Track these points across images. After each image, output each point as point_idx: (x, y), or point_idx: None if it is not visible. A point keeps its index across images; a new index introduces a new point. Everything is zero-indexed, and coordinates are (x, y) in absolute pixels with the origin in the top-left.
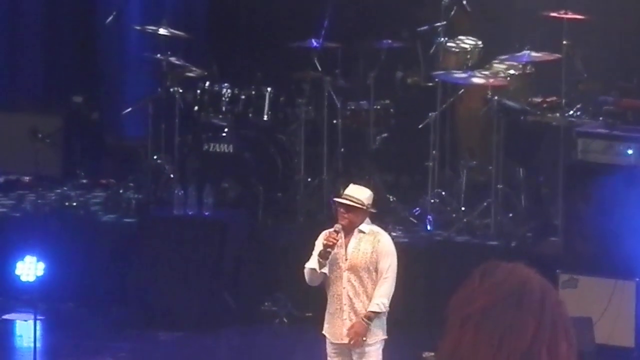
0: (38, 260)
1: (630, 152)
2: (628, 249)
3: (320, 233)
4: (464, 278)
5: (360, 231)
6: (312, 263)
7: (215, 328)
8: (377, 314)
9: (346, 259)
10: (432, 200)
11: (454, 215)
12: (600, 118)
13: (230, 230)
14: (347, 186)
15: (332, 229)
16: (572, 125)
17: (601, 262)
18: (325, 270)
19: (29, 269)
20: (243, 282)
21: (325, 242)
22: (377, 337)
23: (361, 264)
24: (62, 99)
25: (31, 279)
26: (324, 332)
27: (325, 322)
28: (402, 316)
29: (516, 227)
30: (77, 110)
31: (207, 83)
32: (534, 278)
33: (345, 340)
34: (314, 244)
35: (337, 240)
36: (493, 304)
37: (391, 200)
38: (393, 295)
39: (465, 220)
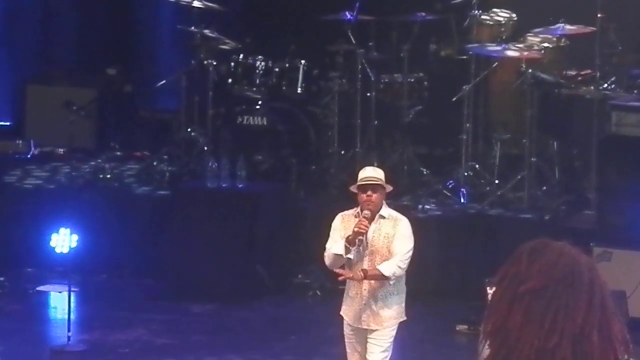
0: (72, 232)
1: None
2: None
3: (346, 209)
4: (497, 251)
5: (381, 216)
6: (337, 248)
7: (248, 300)
8: (379, 275)
9: (367, 244)
10: (466, 173)
11: (487, 188)
12: (635, 91)
13: (263, 202)
14: (357, 171)
15: (361, 214)
16: (606, 98)
17: (635, 235)
18: (351, 255)
19: (63, 240)
20: (276, 254)
21: (357, 229)
22: (394, 320)
23: (382, 248)
24: (96, 71)
25: (65, 250)
26: (342, 313)
27: (344, 304)
28: (436, 288)
29: (550, 200)
30: (111, 83)
31: (241, 56)
32: (582, 260)
33: (362, 325)
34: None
35: (369, 227)
36: (545, 286)
37: (424, 173)
38: (428, 267)
39: (498, 193)
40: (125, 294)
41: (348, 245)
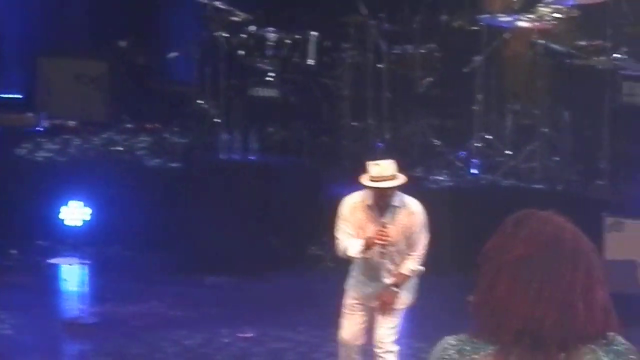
0: (84, 205)
1: None
2: None
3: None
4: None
5: (394, 206)
6: (354, 250)
7: (261, 272)
8: (406, 278)
9: (379, 250)
10: (478, 144)
11: (499, 159)
12: None
13: (276, 174)
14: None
15: (379, 223)
16: (617, 69)
17: None
18: (366, 254)
19: (75, 213)
20: (289, 226)
21: (378, 241)
22: (404, 303)
23: (398, 238)
24: (107, 43)
25: (77, 223)
26: (347, 287)
27: (354, 281)
28: (448, 259)
29: (562, 171)
30: (123, 55)
31: (253, 27)
32: (567, 227)
33: (375, 305)
34: (359, 189)
35: (390, 237)
36: (529, 254)
37: (436, 144)
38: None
39: (511, 163)
40: (138, 267)
41: (365, 249)
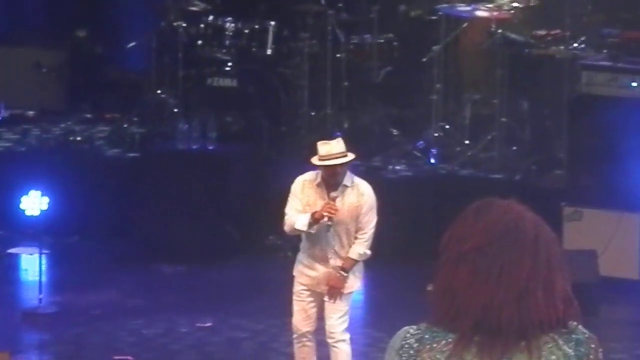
0: (42, 195)
1: (634, 84)
2: (633, 181)
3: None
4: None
5: (344, 186)
6: (300, 223)
7: (219, 261)
8: (354, 262)
9: (326, 222)
10: (436, 134)
11: (458, 148)
12: (605, 50)
13: (234, 164)
14: (316, 141)
15: (329, 197)
16: (576, 58)
17: (606, 195)
18: (313, 230)
19: (34, 203)
20: (247, 215)
21: (326, 213)
22: (352, 287)
23: (347, 218)
24: (66, 32)
25: (36, 213)
26: (295, 274)
27: (301, 266)
28: (407, 249)
29: (520, 160)
30: (81, 44)
31: (211, 17)
32: (527, 216)
33: (322, 290)
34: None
35: (337, 210)
36: (488, 243)
37: (395, 133)
38: (399, 228)
39: (469, 153)
40: (96, 256)
41: (312, 223)
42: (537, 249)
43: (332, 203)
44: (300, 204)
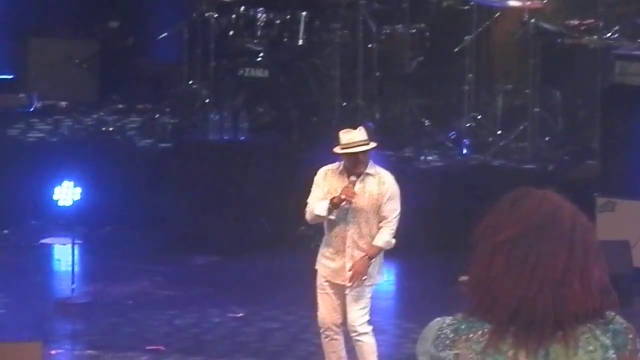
0: (75, 185)
1: None
2: None
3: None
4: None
5: (367, 174)
6: (320, 209)
7: (250, 252)
8: (379, 250)
9: (352, 202)
10: (468, 124)
11: (490, 139)
12: (638, 40)
13: (266, 154)
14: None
15: (348, 180)
16: (609, 48)
17: (639, 185)
18: (333, 216)
19: (67, 193)
20: (278, 206)
21: (344, 197)
22: (373, 281)
23: (367, 206)
24: (98, 24)
25: (68, 203)
26: (317, 267)
27: (322, 259)
28: (438, 240)
29: (553, 151)
30: (113, 36)
31: (242, 7)
32: (564, 206)
33: (343, 282)
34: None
35: (356, 194)
36: (524, 233)
37: (426, 124)
38: (430, 219)
39: (501, 144)
40: (129, 246)
41: (332, 208)
42: (574, 239)
43: (350, 186)
44: (322, 192)
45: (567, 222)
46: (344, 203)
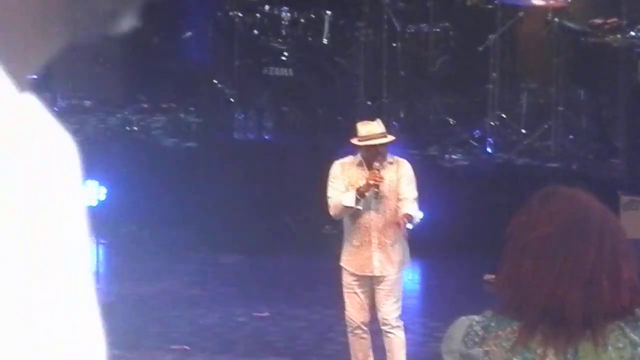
0: (100, 185)
1: None
2: None
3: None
4: (524, 200)
5: (384, 164)
6: (348, 200)
7: (275, 251)
8: (411, 217)
9: (379, 187)
10: (493, 123)
11: (514, 137)
12: None
13: (290, 153)
14: (357, 126)
15: (373, 167)
16: (633, 46)
17: None
18: (360, 206)
19: (91, 193)
20: (303, 205)
21: (372, 182)
22: (403, 265)
23: (388, 194)
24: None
25: (93, 203)
26: (343, 264)
27: (347, 253)
28: (464, 239)
29: (577, 149)
30: (138, 35)
31: (267, 7)
32: (593, 205)
33: (371, 272)
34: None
35: (383, 179)
36: (553, 232)
37: (451, 123)
38: (455, 217)
39: (525, 142)
40: (154, 246)
41: (359, 197)
42: (603, 238)
43: (376, 172)
44: (343, 184)
45: (597, 220)
46: (370, 191)
